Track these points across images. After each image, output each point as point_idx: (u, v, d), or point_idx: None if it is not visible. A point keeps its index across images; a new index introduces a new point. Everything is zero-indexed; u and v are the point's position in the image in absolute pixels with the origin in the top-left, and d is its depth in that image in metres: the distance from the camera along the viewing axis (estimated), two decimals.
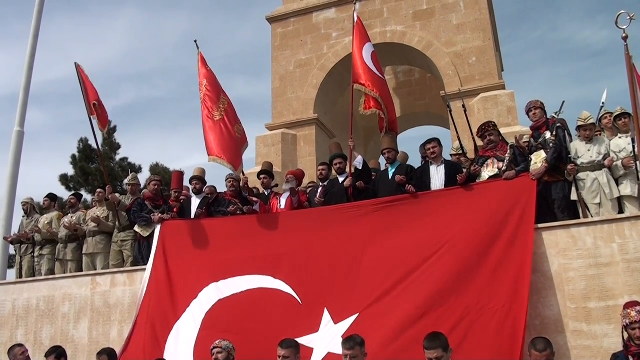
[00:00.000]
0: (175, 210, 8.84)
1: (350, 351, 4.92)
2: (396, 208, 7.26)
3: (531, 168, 7.00)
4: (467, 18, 13.33)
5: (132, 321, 7.81)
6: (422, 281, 6.55)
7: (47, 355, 6.14)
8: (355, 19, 8.72)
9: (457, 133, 8.74)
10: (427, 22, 13.68)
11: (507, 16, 51.38)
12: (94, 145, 10.83)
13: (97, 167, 22.56)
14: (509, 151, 7.17)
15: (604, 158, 6.95)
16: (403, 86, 17.50)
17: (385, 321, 6.44)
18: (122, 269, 8.59)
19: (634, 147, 6.76)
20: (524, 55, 53.03)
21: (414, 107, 17.16)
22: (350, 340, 5.02)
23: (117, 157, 23.84)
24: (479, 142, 7.81)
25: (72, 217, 9.64)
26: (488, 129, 7.48)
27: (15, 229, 10.46)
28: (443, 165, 7.54)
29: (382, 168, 8.59)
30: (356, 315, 6.62)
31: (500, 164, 7.13)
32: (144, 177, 16.57)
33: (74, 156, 23.47)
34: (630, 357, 4.86)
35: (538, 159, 7.09)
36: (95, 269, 8.98)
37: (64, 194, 20.50)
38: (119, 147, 23.91)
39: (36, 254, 9.78)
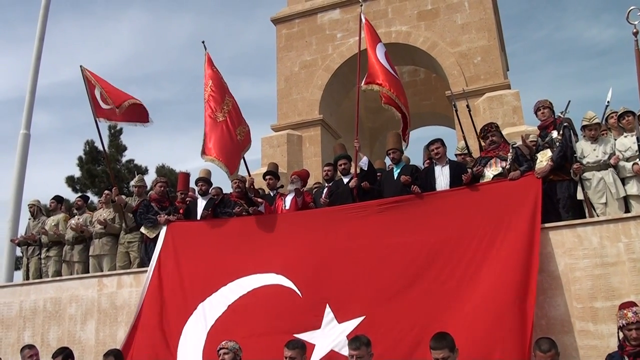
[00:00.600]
0: (181, 211, 8.86)
1: (356, 351, 4.92)
2: (401, 208, 7.26)
3: (537, 167, 6.99)
4: (471, 18, 13.31)
5: (131, 322, 7.81)
6: (429, 283, 6.55)
7: (54, 356, 6.17)
8: (363, 20, 8.71)
9: (463, 133, 8.73)
10: (432, 22, 13.67)
11: (513, 15, 51.44)
12: (100, 147, 10.86)
13: (103, 169, 22.61)
14: (510, 151, 7.17)
15: (610, 157, 6.93)
16: (408, 86, 17.38)
17: (392, 323, 6.44)
18: (128, 270, 8.61)
19: (639, 145, 6.74)
20: (530, 55, 52.97)
21: (419, 107, 17.14)
22: (357, 340, 5.02)
23: (124, 159, 23.90)
24: (484, 142, 7.81)
25: (78, 218, 9.67)
26: (490, 130, 7.50)
27: (21, 231, 10.50)
28: (448, 166, 7.54)
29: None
30: (363, 318, 6.61)
31: (504, 163, 7.13)
32: (150, 178, 16.59)
33: (80, 158, 23.52)
34: (625, 357, 4.85)
35: (544, 158, 7.09)
36: (102, 271, 9.00)
37: (71, 196, 20.60)
38: (125, 149, 23.96)
39: (43, 255, 9.81)
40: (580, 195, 6.90)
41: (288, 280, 7.20)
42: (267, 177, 8.88)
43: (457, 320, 6.11)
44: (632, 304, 5.05)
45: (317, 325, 6.74)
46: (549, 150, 7.12)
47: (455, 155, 8.72)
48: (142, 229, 8.78)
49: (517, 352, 5.68)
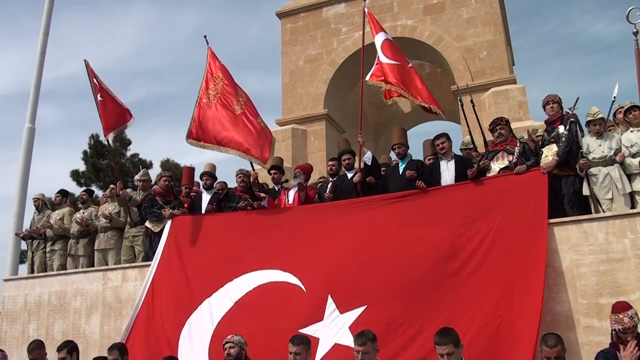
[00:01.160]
0: (185, 205, 8.86)
1: (362, 347, 4.89)
2: (406, 203, 7.25)
3: (542, 161, 6.97)
4: (477, 12, 13.26)
5: (133, 316, 7.81)
6: (434, 277, 6.53)
7: (58, 349, 6.16)
8: (366, 11, 8.69)
9: (469, 127, 8.69)
10: (438, 16, 13.63)
11: (519, 10, 51.20)
12: (105, 141, 10.86)
13: (108, 163, 22.66)
14: (518, 145, 7.14)
15: (616, 153, 6.89)
16: None
17: (394, 315, 6.42)
18: (133, 264, 8.63)
19: None
20: (536, 49, 52.80)
21: None
22: (362, 336, 4.99)
23: (128, 153, 24.00)
24: (489, 137, 7.77)
25: (83, 212, 9.69)
26: (500, 123, 7.47)
27: (26, 225, 10.52)
28: (453, 160, 7.52)
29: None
30: (364, 307, 6.59)
31: (511, 157, 7.11)
32: (154, 172, 16.62)
33: (85, 152, 23.60)
34: (618, 353, 4.83)
35: (550, 152, 7.06)
36: (107, 264, 9.02)
37: (75, 189, 20.71)
38: (129, 143, 24.03)
39: (48, 249, 9.82)
40: (586, 191, 6.87)
41: (294, 277, 7.19)
42: (272, 171, 8.86)
43: (462, 315, 6.10)
44: (626, 306, 4.97)
45: (319, 317, 6.72)
46: (554, 145, 7.09)
47: (460, 150, 8.69)
48: (147, 223, 8.78)
49: (524, 347, 5.66)
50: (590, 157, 6.91)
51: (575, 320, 6.09)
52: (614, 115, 7.81)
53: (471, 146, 8.68)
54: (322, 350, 6.49)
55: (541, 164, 6.90)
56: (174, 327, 7.43)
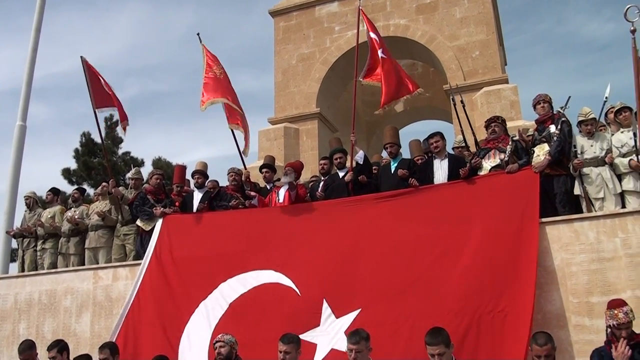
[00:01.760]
0: (177, 204, 8.83)
1: (355, 345, 4.89)
2: (398, 202, 7.25)
3: (534, 160, 6.99)
4: (470, 11, 13.27)
5: (123, 314, 7.75)
6: (426, 278, 6.53)
7: (49, 348, 6.13)
8: (361, 10, 8.72)
9: (461, 126, 8.71)
10: (430, 15, 13.63)
11: (513, 9, 51.28)
12: (97, 139, 10.85)
13: (99, 161, 22.57)
14: (510, 143, 7.16)
15: (606, 154, 6.92)
16: None
17: (388, 315, 6.42)
18: (124, 263, 8.60)
19: (635, 141, 6.74)
20: (530, 49, 52.92)
21: (416, 101, 16.97)
22: (356, 334, 4.99)
23: (120, 151, 23.86)
24: (480, 137, 7.78)
25: (75, 211, 9.65)
26: (496, 121, 7.48)
27: (17, 223, 10.47)
28: (447, 159, 7.53)
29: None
30: (358, 310, 6.59)
31: (502, 155, 7.12)
32: (146, 171, 16.56)
33: (76, 150, 23.49)
34: (612, 351, 4.85)
35: (541, 152, 7.08)
36: (98, 263, 8.99)
37: (67, 188, 20.60)
38: (121, 141, 23.85)
39: (39, 247, 9.78)
40: (577, 191, 6.89)
41: (287, 279, 7.17)
42: (264, 170, 8.86)
43: (454, 314, 6.09)
44: (621, 303, 5.01)
45: (316, 323, 6.70)
46: (546, 144, 7.11)
47: (453, 148, 8.70)
48: (138, 222, 8.75)
49: (515, 346, 5.66)
50: (582, 157, 6.93)
51: (566, 319, 6.10)
52: (606, 115, 7.85)
53: (463, 144, 8.70)
54: (319, 355, 6.48)
55: (533, 163, 6.92)
56: (175, 331, 7.35)
